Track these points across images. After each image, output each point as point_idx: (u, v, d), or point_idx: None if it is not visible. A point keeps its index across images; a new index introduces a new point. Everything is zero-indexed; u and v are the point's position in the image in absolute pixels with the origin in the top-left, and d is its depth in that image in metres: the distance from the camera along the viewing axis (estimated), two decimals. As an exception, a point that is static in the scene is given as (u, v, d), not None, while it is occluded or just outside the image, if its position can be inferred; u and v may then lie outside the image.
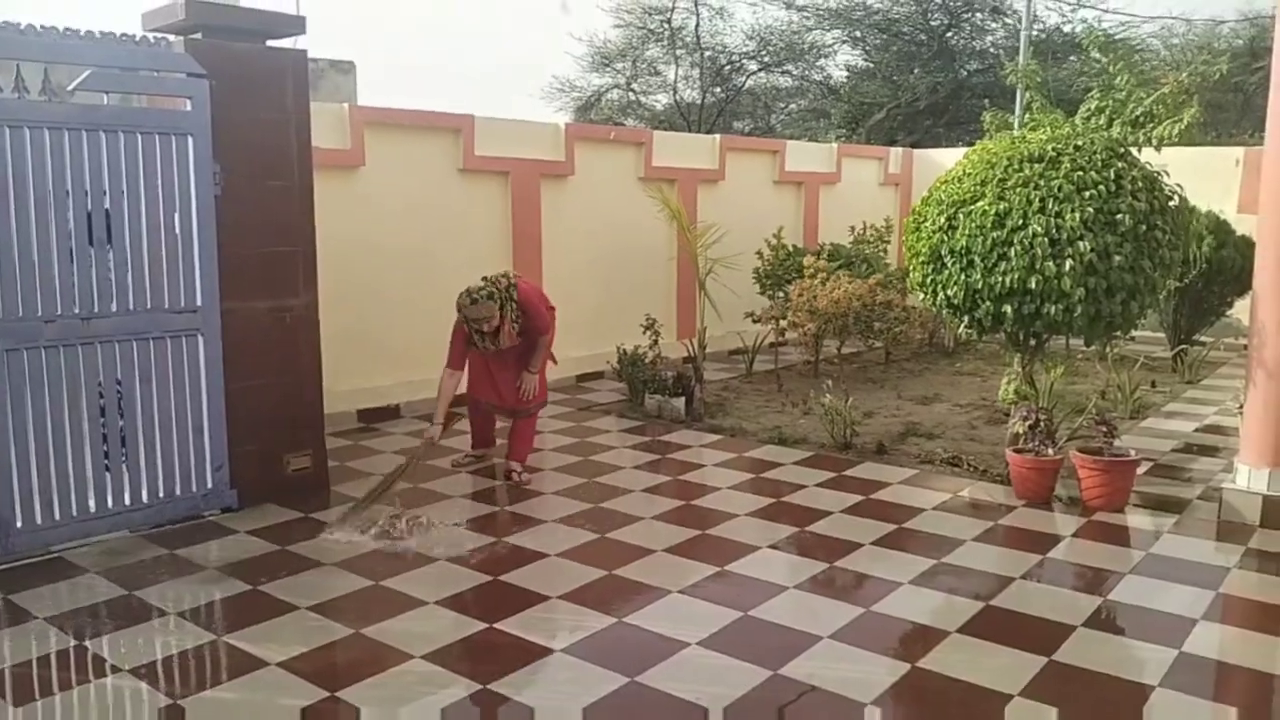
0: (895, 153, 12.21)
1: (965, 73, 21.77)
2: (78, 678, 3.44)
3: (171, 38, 4.81)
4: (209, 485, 5.05)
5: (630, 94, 24.26)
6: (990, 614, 3.92)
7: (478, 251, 7.98)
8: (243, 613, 3.93)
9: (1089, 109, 5.85)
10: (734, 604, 3.98)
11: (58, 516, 4.58)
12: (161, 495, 4.90)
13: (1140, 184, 5.19)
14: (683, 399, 7.34)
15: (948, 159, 12.28)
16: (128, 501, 4.80)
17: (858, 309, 7.05)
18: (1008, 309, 5.18)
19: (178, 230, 4.81)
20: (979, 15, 21.40)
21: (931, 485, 5.63)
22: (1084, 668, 3.48)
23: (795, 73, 23.51)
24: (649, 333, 7.66)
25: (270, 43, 5.11)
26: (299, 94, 5.16)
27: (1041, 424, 5.31)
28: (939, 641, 3.68)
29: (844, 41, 22.79)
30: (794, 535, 4.83)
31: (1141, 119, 5.70)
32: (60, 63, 4.40)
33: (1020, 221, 5.09)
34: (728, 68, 23.24)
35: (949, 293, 5.41)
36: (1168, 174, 5.53)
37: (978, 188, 5.32)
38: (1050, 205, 5.06)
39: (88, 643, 3.67)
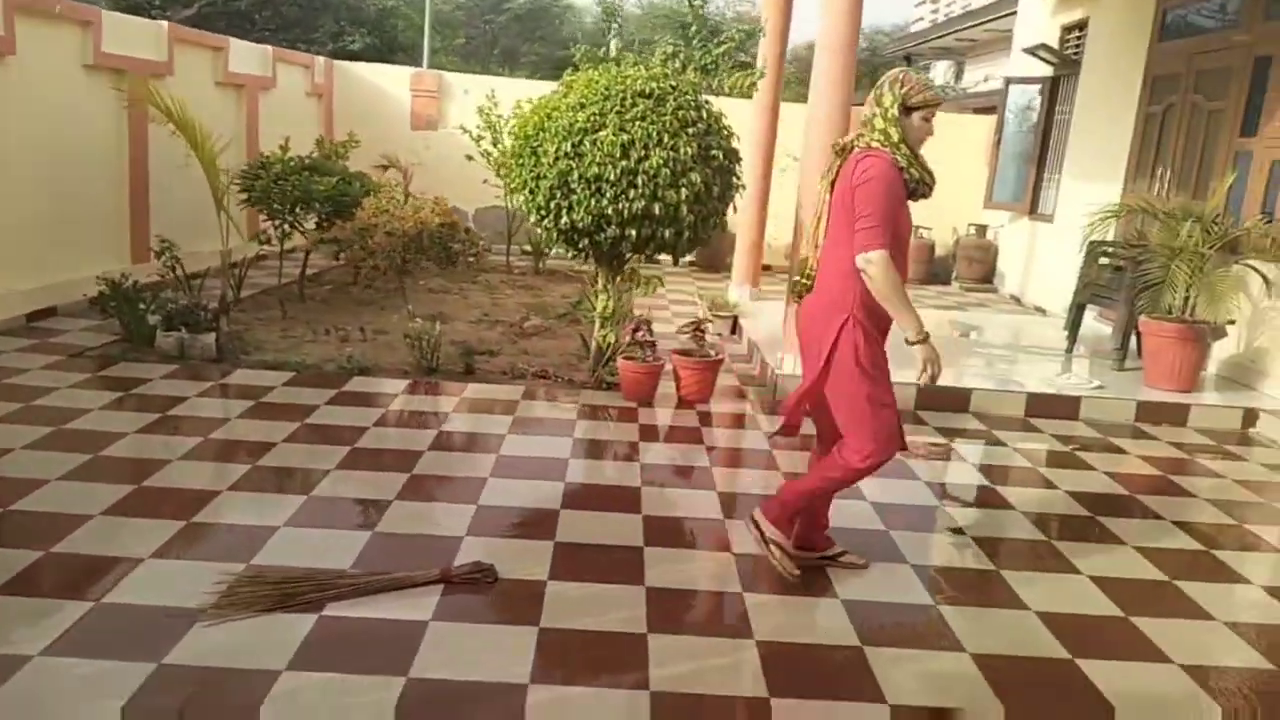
0: (320, 62, 11.52)
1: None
2: None
3: None
4: None
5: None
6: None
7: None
8: None
9: (665, 54, 6.50)
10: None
11: None
12: None
13: (723, 126, 6.03)
14: (213, 335, 6.35)
15: (375, 75, 12.15)
16: None
17: (433, 230, 6.82)
18: (633, 232, 5.68)
19: None
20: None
21: (545, 398, 5.95)
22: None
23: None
24: (166, 256, 6.37)
25: None
26: None
27: (645, 335, 5.99)
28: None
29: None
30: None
31: (708, 67, 6.53)
32: None
33: (644, 153, 5.58)
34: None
35: (574, 217, 5.68)
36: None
37: (598, 118, 5.64)
38: (666, 139, 5.63)
39: None
